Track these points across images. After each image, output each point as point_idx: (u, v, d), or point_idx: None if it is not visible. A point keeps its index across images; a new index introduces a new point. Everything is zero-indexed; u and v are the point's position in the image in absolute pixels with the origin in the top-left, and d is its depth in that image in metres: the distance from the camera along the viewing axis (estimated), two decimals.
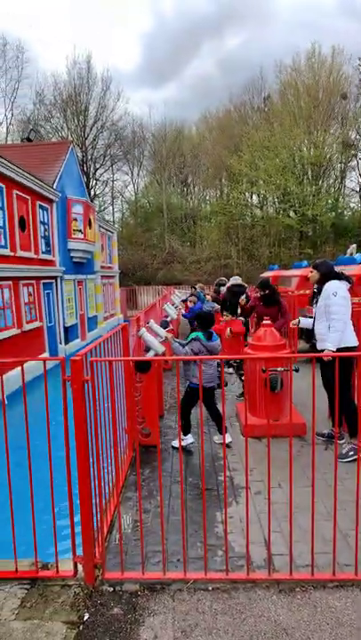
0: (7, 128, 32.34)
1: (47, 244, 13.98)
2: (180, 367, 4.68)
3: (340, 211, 29.40)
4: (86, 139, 33.60)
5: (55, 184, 14.48)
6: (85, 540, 2.44)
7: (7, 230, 10.88)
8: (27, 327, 11.61)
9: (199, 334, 4.15)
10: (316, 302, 4.18)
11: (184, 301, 10.66)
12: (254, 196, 34.24)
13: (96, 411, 2.48)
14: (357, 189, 31.51)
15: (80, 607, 2.30)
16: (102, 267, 20.35)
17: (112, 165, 36.49)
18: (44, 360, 2.49)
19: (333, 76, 28.28)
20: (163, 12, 51.86)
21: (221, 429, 4.28)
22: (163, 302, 10.23)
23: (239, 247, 31.83)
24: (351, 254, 10.00)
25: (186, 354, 4.10)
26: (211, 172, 35.58)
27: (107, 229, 22.05)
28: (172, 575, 2.46)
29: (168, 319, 7.33)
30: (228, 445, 4.24)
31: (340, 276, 4.03)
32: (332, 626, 2.10)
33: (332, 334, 3.86)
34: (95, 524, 2.52)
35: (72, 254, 16.02)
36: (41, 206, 13.38)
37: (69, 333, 15.35)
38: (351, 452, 3.83)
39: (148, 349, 4.34)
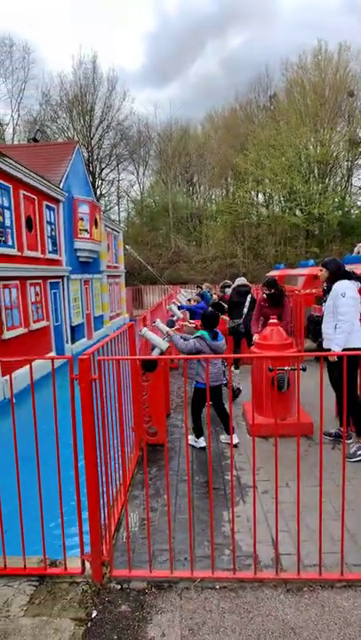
0: (14, 129, 32.58)
1: (54, 244, 14.05)
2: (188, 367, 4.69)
3: (346, 209, 29.18)
4: (92, 139, 33.70)
5: (61, 184, 14.55)
6: (93, 538, 2.46)
7: (14, 230, 10.96)
8: (34, 326, 11.69)
9: (204, 333, 4.16)
10: (326, 301, 4.15)
11: (189, 301, 10.69)
12: (260, 195, 34.13)
13: (103, 409, 2.49)
14: None
15: (88, 604, 2.31)
16: (108, 266, 20.42)
17: (118, 165, 36.59)
18: (52, 359, 2.51)
19: (340, 73, 28.08)
20: (166, 12, 51.94)
21: (228, 429, 4.28)
22: (169, 302, 10.25)
23: (245, 246, 31.74)
24: (358, 253, 9.91)
25: (193, 346, 4.10)
26: (216, 171, 35.51)
27: (113, 229, 22.11)
28: (180, 573, 2.47)
29: (174, 318, 7.33)
30: (235, 446, 4.24)
31: (350, 276, 3.98)
32: (340, 626, 2.10)
33: (338, 335, 3.84)
34: (103, 521, 2.53)
35: (78, 254, 16.09)
36: (48, 206, 13.45)
37: (76, 333, 15.42)
38: (359, 452, 3.81)
39: (153, 348, 4.35)
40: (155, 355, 4.23)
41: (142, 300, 27.28)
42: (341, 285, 3.91)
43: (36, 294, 12.24)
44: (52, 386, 2.49)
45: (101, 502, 2.50)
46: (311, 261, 13.63)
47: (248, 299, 7.25)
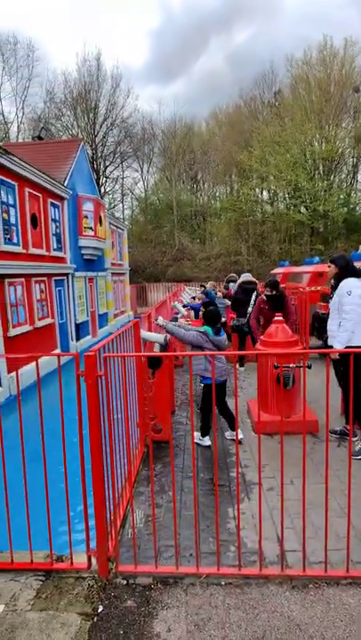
0: (18, 127, 32.59)
1: (58, 242, 14.08)
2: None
3: (352, 206, 28.97)
4: (96, 136, 33.66)
5: (66, 182, 14.57)
6: (99, 534, 2.47)
7: (19, 228, 10.99)
8: (39, 324, 11.73)
9: (208, 329, 4.19)
10: (332, 297, 4.13)
11: (193, 299, 10.71)
12: (265, 192, 33.94)
13: (109, 406, 2.50)
14: None
15: (94, 599, 2.33)
16: (113, 264, 20.44)
17: (122, 162, 36.54)
18: (59, 355, 2.52)
19: (346, 68, 27.80)
20: (170, 8, 51.69)
21: (232, 425, 4.29)
22: (173, 299, 10.26)
23: (249, 244, 31.63)
24: None
25: (195, 338, 4.13)
26: (221, 169, 35.38)
27: (117, 226, 22.11)
28: (185, 569, 2.48)
29: (178, 316, 7.35)
30: (239, 442, 4.25)
31: (358, 273, 3.96)
32: (346, 622, 2.10)
33: (341, 333, 3.83)
34: (108, 517, 2.54)
35: (83, 251, 16.12)
36: (52, 204, 13.48)
37: (80, 330, 15.47)
38: None
39: (159, 347, 4.38)
40: (156, 351, 4.25)
41: (146, 298, 27.29)
42: (348, 283, 3.89)
43: (41, 292, 12.28)
44: (59, 382, 2.50)
45: (107, 498, 2.51)
46: (316, 259, 13.56)
47: (253, 296, 7.16)
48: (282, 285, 7.10)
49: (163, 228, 35.46)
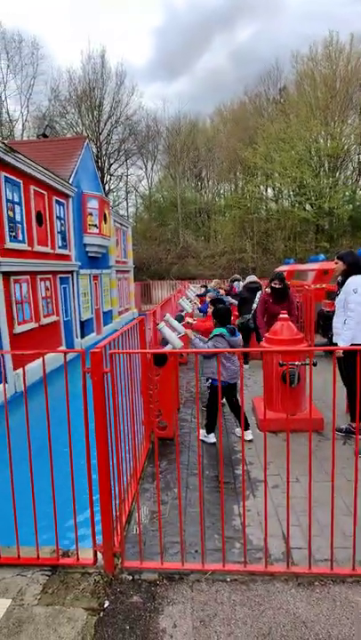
0: (23, 125, 32.65)
1: (63, 239, 14.11)
2: (200, 363, 4.68)
3: (358, 203, 28.70)
4: (101, 134, 33.66)
5: (71, 179, 14.58)
6: (105, 529, 2.48)
7: (25, 225, 11.02)
8: (44, 321, 11.78)
9: (223, 330, 4.09)
10: (338, 294, 4.11)
11: (200, 296, 10.69)
12: (269, 190, 33.80)
13: (115, 402, 2.50)
14: None
15: (100, 594, 2.34)
16: (117, 261, 20.45)
17: (126, 160, 36.52)
18: (65, 352, 2.53)
19: (352, 64, 27.48)
20: (174, 6, 51.41)
21: (244, 424, 4.26)
22: (178, 297, 10.26)
23: (254, 241, 31.51)
24: None
25: (212, 347, 4.05)
26: (225, 166, 35.23)
27: (121, 224, 22.11)
28: (191, 566, 2.48)
29: (183, 313, 7.34)
30: (250, 441, 4.25)
31: None
32: (352, 620, 2.09)
33: (346, 331, 3.81)
34: (114, 513, 2.55)
35: (87, 249, 16.14)
36: (57, 201, 13.49)
37: (85, 327, 15.51)
38: None
39: (165, 343, 4.36)
40: (167, 349, 4.23)
41: (151, 295, 27.29)
42: (355, 281, 3.86)
43: (46, 289, 12.32)
44: (65, 379, 2.51)
45: (113, 494, 2.52)
46: (321, 256, 13.47)
47: (258, 295, 7.26)
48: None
49: (167, 225, 35.42)
